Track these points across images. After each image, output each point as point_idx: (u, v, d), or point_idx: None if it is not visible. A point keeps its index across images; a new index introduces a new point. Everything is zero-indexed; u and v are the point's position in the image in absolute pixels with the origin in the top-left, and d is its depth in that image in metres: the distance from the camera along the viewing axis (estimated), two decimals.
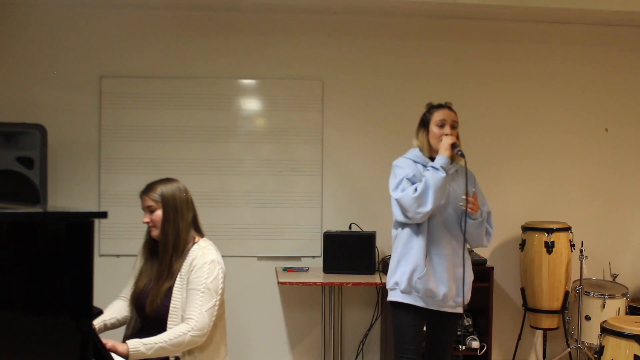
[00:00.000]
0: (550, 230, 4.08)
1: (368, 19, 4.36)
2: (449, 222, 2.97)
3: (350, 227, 4.25)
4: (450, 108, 3.02)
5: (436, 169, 2.84)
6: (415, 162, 2.99)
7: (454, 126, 2.99)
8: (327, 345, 4.14)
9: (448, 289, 2.92)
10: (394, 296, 2.98)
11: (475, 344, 3.97)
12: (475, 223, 2.95)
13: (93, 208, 4.17)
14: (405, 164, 3.00)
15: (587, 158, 4.50)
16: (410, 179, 2.91)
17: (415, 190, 2.83)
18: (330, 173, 4.36)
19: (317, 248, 4.31)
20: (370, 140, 4.38)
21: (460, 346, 3.94)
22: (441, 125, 2.96)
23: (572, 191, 4.48)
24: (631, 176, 4.54)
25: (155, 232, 2.73)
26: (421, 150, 3.03)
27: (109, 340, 2.54)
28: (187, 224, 2.74)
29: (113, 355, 2.22)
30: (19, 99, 4.16)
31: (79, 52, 4.23)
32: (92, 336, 1.61)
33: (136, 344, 2.49)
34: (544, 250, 4.06)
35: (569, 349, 4.10)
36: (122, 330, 2.82)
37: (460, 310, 3.01)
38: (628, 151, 4.53)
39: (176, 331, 2.57)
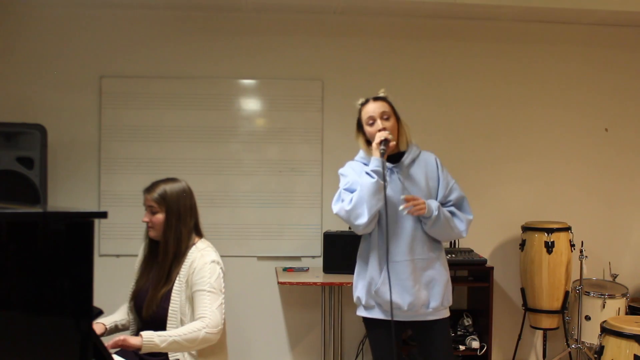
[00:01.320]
0: (550, 230, 4.07)
1: (368, 19, 4.36)
2: (405, 225, 2.69)
3: (350, 227, 4.24)
4: (376, 99, 2.74)
5: (368, 174, 2.61)
6: (364, 164, 2.74)
7: (385, 117, 2.70)
8: (327, 345, 4.13)
9: (415, 297, 2.65)
10: (359, 311, 2.80)
11: (475, 344, 3.97)
12: (429, 222, 2.65)
13: (93, 208, 4.17)
14: (349, 171, 2.77)
15: (587, 158, 4.50)
16: (349, 189, 2.69)
17: (350, 201, 2.63)
18: (330, 173, 4.35)
19: (317, 248, 4.31)
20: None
21: (460, 346, 3.94)
22: (371, 123, 2.71)
23: (572, 191, 4.48)
24: (631, 176, 4.54)
25: (153, 233, 2.71)
26: (365, 152, 2.78)
27: (121, 334, 2.55)
28: (189, 230, 2.71)
29: (113, 355, 2.22)
30: (19, 99, 4.16)
31: (79, 52, 4.23)
32: (92, 336, 1.61)
33: (150, 335, 2.47)
34: (544, 250, 4.06)
35: (569, 349, 4.10)
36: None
37: (443, 314, 2.74)
38: (628, 151, 4.53)
39: (191, 327, 2.54)
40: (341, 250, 4.00)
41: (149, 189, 2.71)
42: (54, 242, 1.46)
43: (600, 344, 3.29)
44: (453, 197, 2.77)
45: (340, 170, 2.82)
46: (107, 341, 2.46)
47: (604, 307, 3.91)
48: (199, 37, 4.29)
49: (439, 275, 2.73)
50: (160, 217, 2.67)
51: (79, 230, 1.47)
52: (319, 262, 4.23)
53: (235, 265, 4.03)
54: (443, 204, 2.75)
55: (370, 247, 2.73)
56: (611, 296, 3.94)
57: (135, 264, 2.87)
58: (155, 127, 4.24)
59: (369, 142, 2.75)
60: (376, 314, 2.73)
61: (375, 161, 2.61)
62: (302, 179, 4.33)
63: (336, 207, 2.71)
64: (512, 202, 4.44)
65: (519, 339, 4.29)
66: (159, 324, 2.62)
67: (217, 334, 2.59)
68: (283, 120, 4.32)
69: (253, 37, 4.32)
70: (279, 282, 3.90)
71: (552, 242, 4.05)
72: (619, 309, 3.93)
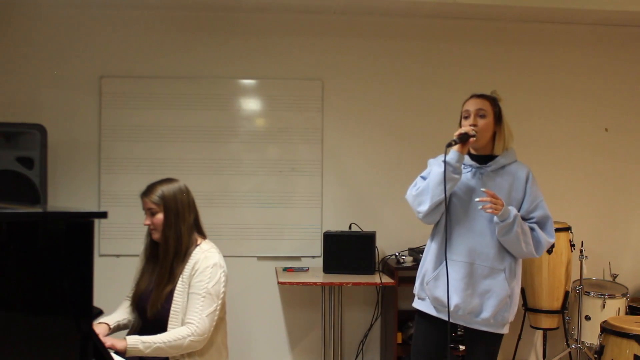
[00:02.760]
0: None
1: (368, 19, 4.36)
2: (474, 224, 2.61)
3: (350, 227, 4.25)
4: (479, 96, 2.70)
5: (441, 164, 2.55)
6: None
7: (481, 114, 2.64)
8: (327, 345, 4.13)
9: (462, 301, 2.59)
10: (414, 302, 2.79)
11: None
12: (501, 226, 2.53)
13: (93, 208, 4.17)
14: (433, 162, 2.72)
15: (587, 158, 4.50)
16: (425, 176, 2.68)
17: (418, 188, 2.64)
18: (330, 173, 4.36)
19: (317, 248, 4.31)
20: (370, 140, 4.38)
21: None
22: (466, 117, 2.66)
23: (572, 191, 4.48)
24: (631, 176, 4.54)
25: (156, 235, 2.71)
26: None
27: (108, 337, 2.55)
28: (189, 227, 2.71)
29: (113, 355, 2.22)
30: (19, 99, 4.16)
31: (79, 52, 4.23)
32: (92, 336, 1.61)
33: (135, 341, 2.49)
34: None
35: (569, 349, 4.10)
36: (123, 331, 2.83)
37: (495, 329, 2.66)
38: (628, 151, 4.53)
39: (176, 334, 2.56)
40: (341, 250, 4.00)
41: (145, 192, 2.72)
42: (54, 242, 1.46)
43: (600, 344, 3.29)
44: (537, 214, 2.65)
45: (429, 160, 2.77)
46: None
47: (604, 307, 3.91)
48: (199, 37, 4.29)
49: (500, 288, 2.61)
50: (160, 217, 2.67)
51: (79, 230, 1.47)
52: (319, 262, 4.23)
53: (235, 265, 4.02)
54: (525, 219, 2.64)
55: (433, 240, 2.71)
56: (611, 296, 3.94)
57: (136, 267, 2.87)
58: (155, 127, 4.24)
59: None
60: (426, 308, 2.72)
61: (452, 154, 2.55)
62: (302, 179, 4.32)
63: (408, 192, 2.71)
64: None
65: (519, 339, 4.29)
66: (162, 324, 2.62)
67: (203, 341, 2.61)
68: (283, 120, 4.32)
69: (253, 37, 4.32)
70: (279, 282, 3.90)
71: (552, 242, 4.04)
72: (619, 309, 3.93)
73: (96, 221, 1.67)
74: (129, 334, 2.77)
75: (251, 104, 4.34)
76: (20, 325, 1.42)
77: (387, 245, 4.24)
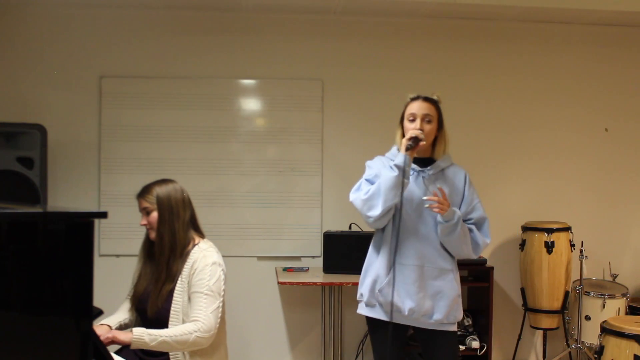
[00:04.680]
0: (550, 230, 4.07)
1: (368, 19, 4.36)
2: (421, 229, 2.65)
3: (350, 227, 4.25)
4: (426, 99, 2.69)
5: (391, 168, 2.58)
6: (391, 160, 2.69)
7: (427, 120, 2.65)
8: (327, 345, 4.13)
9: (416, 304, 2.61)
10: (360, 309, 2.77)
11: (475, 344, 3.97)
12: (446, 227, 2.58)
13: (93, 208, 4.17)
14: (375, 164, 2.74)
15: (587, 158, 4.50)
16: (370, 180, 2.68)
17: (367, 192, 2.61)
18: (330, 173, 4.36)
19: (317, 248, 4.31)
20: (370, 140, 4.37)
21: (460, 346, 3.94)
22: (412, 120, 2.66)
23: (572, 191, 4.48)
24: (631, 176, 4.54)
25: (152, 234, 2.72)
26: (398, 148, 2.72)
27: (111, 331, 2.56)
28: (184, 225, 2.71)
29: (113, 355, 2.22)
30: (19, 99, 4.16)
31: (79, 52, 4.23)
32: (92, 336, 1.61)
33: (140, 333, 2.50)
34: (544, 250, 4.06)
35: (569, 349, 4.10)
36: None
37: (449, 328, 2.68)
38: (628, 151, 4.53)
39: (183, 329, 2.56)
40: (341, 250, 4.00)
41: (140, 193, 2.74)
42: (54, 242, 1.46)
43: (600, 344, 3.29)
44: (475, 215, 2.72)
45: (368, 162, 2.79)
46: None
47: (604, 307, 3.91)
48: (199, 37, 4.29)
49: (449, 289, 2.66)
50: (155, 215, 2.68)
51: (79, 230, 1.47)
52: (319, 262, 4.23)
53: (235, 265, 4.02)
54: (464, 220, 2.68)
55: (382, 245, 2.69)
56: (611, 296, 3.94)
57: (133, 273, 2.87)
58: (155, 127, 4.24)
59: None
60: (376, 314, 2.70)
61: (400, 156, 2.57)
62: (302, 179, 4.33)
63: (353, 196, 2.69)
64: (512, 202, 4.44)
65: (519, 339, 4.29)
66: (163, 324, 2.63)
67: (209, 338, 2.60)
68: (283, 120, 4.32)
69: (253, 37, 4.32)
70: (279, 282, 3.90)
71: (552, 242, 4.05)
72: (619, 309, 3.93)
73: (96, 221, 1.67)
74: None
75: (251, 104, 4.34)
76: (20, 325, 1.42)
77: None
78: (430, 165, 2.70)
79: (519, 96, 4.46)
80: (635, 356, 3.10)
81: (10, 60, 4.19)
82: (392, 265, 2.60)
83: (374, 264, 2.71)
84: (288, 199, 4.31)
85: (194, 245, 2.74)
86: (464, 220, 2.69)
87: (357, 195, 2.66)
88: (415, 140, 2.58)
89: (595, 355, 3.34)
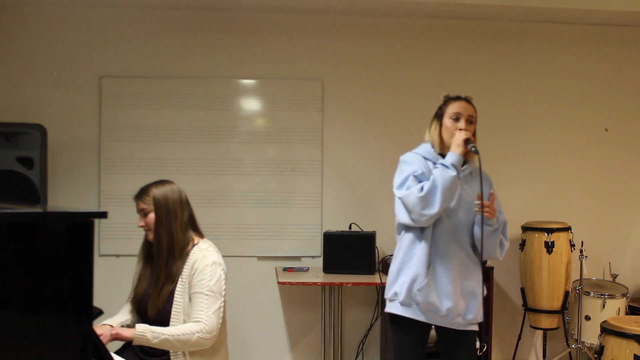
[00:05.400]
0: (550, 230, 4.08)
1: (368, 19, 4.36)
2: (458, 229, 2.65)
3: (350, 227, 4.25)
4: (468, 101, 2.71)
5: (446, 166, 2.53)
6: (425, 158, 2.69)
7: (470, 121, 2.67)
8: (327, 345, 4.13)
9: (454, 304, 2.60)
10: (392, 308, 2.69)
11: (476, 344, 3.96)
12: (490, 230, 2.62)
13: (93, 208, 4.17)
14: (413, 160, 2.69)
15: (588, 158, 4.50)
16: (418, 177, 2.61)
17: (422, 189, 2.53)
18: (330, 173, 4.36)
19: (317, 248, 4.31)
20: (370, 140, 4.38)
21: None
22: (455, 119, 2.65)
23: (572, 191, 4.48)
24: (631, 176, 4.54)
25: (150, 235, 2.71)
26: (432, 145, 2.71)
27: (114, 327, 2.57)
28: (182, 225, 2.70)
29: (113, 355, 2.22)
30: (19, 99, 4.16)
31: (79, 52, 4.23)
32: (92, 336, 1.61)
33: (143, 329, 2.50)
34: (544, 250, 4.06)
35: (569, 349, 4.10)
36: None
37: (474, 327, 2.71)
38: (628, 151, 4.53)
39: (185, 328, 2.55)
40: (341, 250, 4.00)
41: (137, 194, 2.73)
42: (54, 242, 1.46)
43: (600, 344, 3.29)
44: (501, 217, 2.74)
45: (403, 157, 2.74)
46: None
47: (604, 307, 3.91)
48: (199, 37, 4.29)
49: (479, 288, 2.67)
50: (152, 216, 2.68)
51: (79, 230, 1.47)
52: (319, 262, 4.23)
53: (235, 265, 4.03)
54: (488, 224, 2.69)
55: (420, 243, 2.63)
56: (611, 296, 3.94)
57: (133, 275, 2.87)
58: (155, 127, 4.24)
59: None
60: (413, 314, 2.64)
61: (455, 156, 2.55)
62: (302, 179, 4.32)
63: (402, 192, 2.60)
64: (511, 201, 4.41)
65: (519, 339, 4.29)
66: (163, 325, 2.62)
67: (212, 339, 2.60)
68: (283, 120, 4.32)
69: (253, 37, 4.32)
70: (279, 282, 3.90)
71: (552, 242, 4.05)
72: (619, 309, 3.93)
73: (96, 221, 1.67)
74: None
75: (251, 104, 4.34)
76: (21, 325, 1.42)
77: (387, 245, 4.24)
78: (464, 166, 2.68)
79: (519, 96, 4.46)
80: (635, 356, 3.10)
81: (10, 60, 4.19)
82: (432, 264, 2.61)
83: (411, 262, 2.65)
84: (288, 199, 4.32)
85: (194, 245, 2.73)
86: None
87: (410, 192, 2.56)
88: (468, 142, 2.60)
89: (595, 355, 3.34)
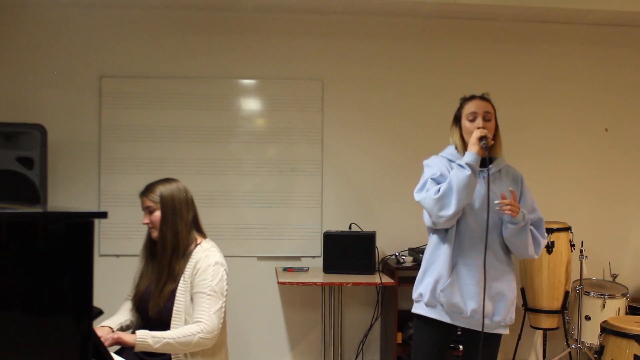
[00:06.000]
0: (550, 230, 4.07)
1: (368, 19, 4.36)
2: (484, 229, 2.56)
3: (350, 227, 4.25)
4: (483, 98, 2.70)
5: (461, 166, 2.51)
6: (450, 160, 2.67)
7: (487, 118, 2.65)
8: (327, 345, 4.13)
9: (478, 305, 2.56)
10: (418, 309, 2.70)
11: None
12: (515, 229, 2.57)
13: (93, 208, 4.17)
14: (435, 163, 2.69)
15: (587, 158, 4.50)
16: (436, 179, 2.61)
17: (438, 191, 2.53)
18: (330, 173, 4.36)
19: (317, 248, 4.31)
20: (370, 140, 4.38)
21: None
22: (472, 119, 2.64)
23: (572, 191, 4.48)
24: (631, 176, 4.54)
25: (155, 233, 2.71)
26: (456, 147, 2.70)
27: (115, 332, 2.56)
28: (187, 225, 2.70)
29: (113, 355, 2.22)
30: (19, 99, 4.16)
31: (79, 52, 4.23)
32: (92, 336, 1.61)
33: (144, 335, 2.49)
34: (544, 250, 4.06)
35: (569, 349, 4.10)
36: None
37: (503, 331, 2.68)
38: (628, 151, 4.53)
39: (186, 330, 2.55)
40: (341, 250, 4.00)
41: (144, 191, 2.73)
42: (54, 242, 1.46)
43: (600, 344, 3.29)
44: (534, 216, 2.70)
45: (426, 161, 2.74)
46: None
47: (604, 307, 3.91)
48: (199, 37, 4.29)
49: (509, 290, 2.64)
50: (158, 214, 2.67)
51: (79, 230, 1.47)
52: (319, 262, 4.23)
53: (235, 265, 4.01)
54: None
55: (444, 244, 2.62)
56: (611, 296, 3.94)
57: (135, 273, 2.86)
58: (155, 127, 4.24)
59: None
60: (437, 315, 2.64)
61: (471, 155, 2.52)
62: (302, 179, 4.32)
63: (420, 195, 2.61)
64: None
65: (519, 339, 4.29)
66: (164, 324, 2.62)
67: (212, 339, 2.60)
68: (283, 120, 4.32)
69: (253, 37, 4.32)
70: (279, 282, 3.89)
71: (552, 242, 4.05)
72: (619, 309, 3.93)
73: (96, 221, 1.67)
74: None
75: (251, 104, 4.34)
76: (21, 325, 1.42)
77: (387, 245, 4.24)
78: (491, 164, 2.65)
79: (518, 96, 4.45)
80: (635, 356, 3.10)
81: (10, 60, 4.19)
82: (455, 265, 2.59)
83: (435, 263, 2.65)
84: (288, 199, 4.32)
85: (197, 245, 2.73)
86: None
87: (427, 194, 2.57)
88: (485, 139, 2.56)
89: (595, 355, 3.34)
